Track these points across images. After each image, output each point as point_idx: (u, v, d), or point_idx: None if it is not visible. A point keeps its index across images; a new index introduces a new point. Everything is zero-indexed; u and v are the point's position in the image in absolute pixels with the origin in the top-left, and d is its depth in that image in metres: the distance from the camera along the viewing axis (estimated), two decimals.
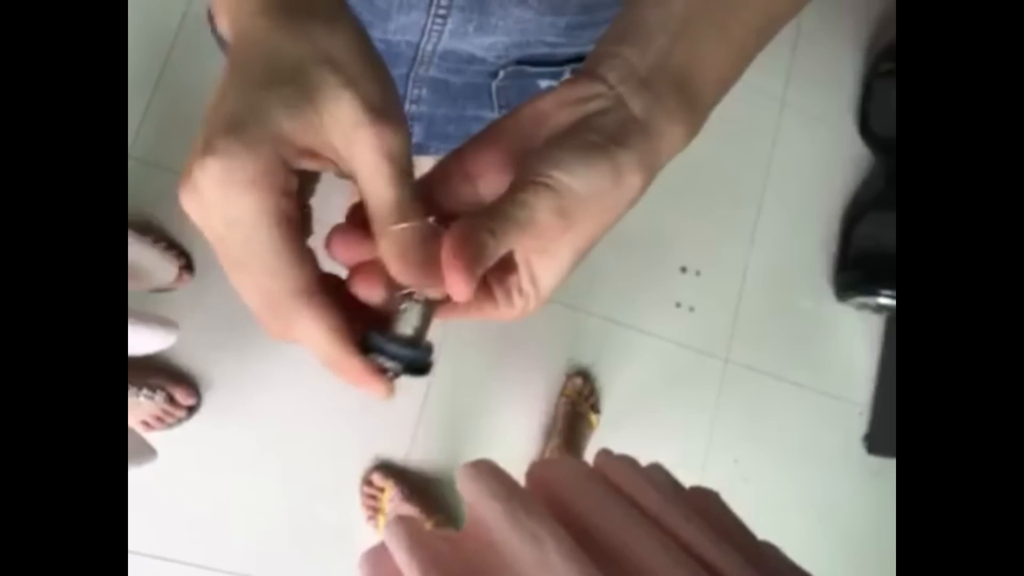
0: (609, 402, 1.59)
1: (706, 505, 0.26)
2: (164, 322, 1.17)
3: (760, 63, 0.37)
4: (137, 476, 0.99)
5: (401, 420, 1.48)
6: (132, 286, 1.29)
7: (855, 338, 1.77)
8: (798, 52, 1.80)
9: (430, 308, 0.31)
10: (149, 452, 1.10)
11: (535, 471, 0.29)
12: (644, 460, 0.33)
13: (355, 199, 0.31)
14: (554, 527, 0.22)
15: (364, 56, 0.29)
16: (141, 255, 1.23)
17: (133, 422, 1.31)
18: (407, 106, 0.65)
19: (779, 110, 1.80)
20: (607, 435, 1.55)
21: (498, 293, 0.34)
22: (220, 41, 0.58)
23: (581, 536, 0.23)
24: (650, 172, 0.32)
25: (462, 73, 0.61)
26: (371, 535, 1.41)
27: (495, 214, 0.29)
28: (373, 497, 1.42)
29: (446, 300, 0.31)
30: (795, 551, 0.30)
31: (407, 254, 0.29)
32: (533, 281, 0.33)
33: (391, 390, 0.32)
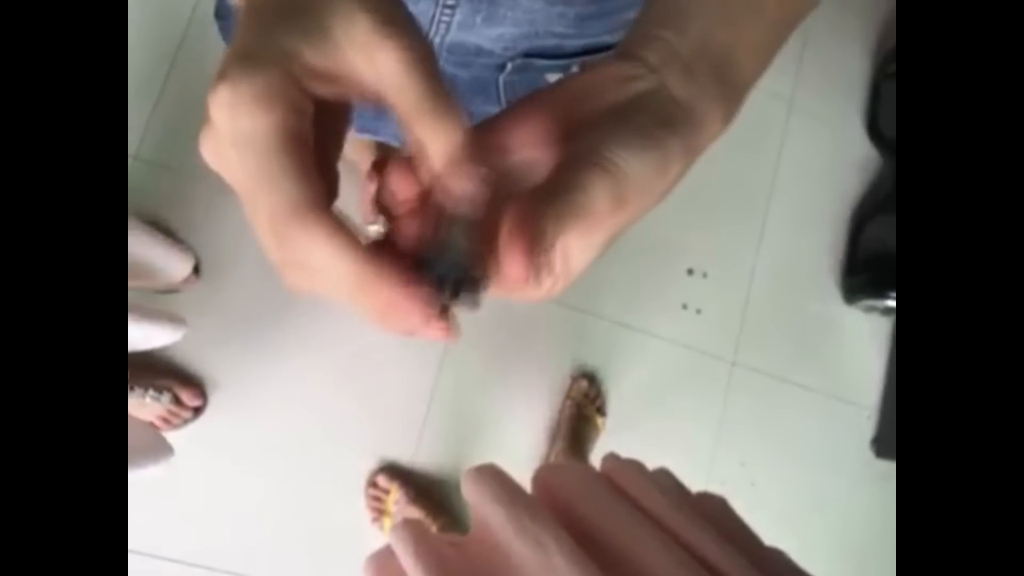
0: (615, 404, 1.58)
1: (712, 510, 0.26)
2: (170, 318, 1.17)
3: None
4: (142, 475, 1.00)
5: (407, 422, 1.48)
6: (139, 284, 1.30)
7: (863, 341, 1.77)
8: (806, 54, 1.80)
9: (473, 230, 0.29)
10: (167, 450, 1.10)
11: (540, 475, 0.29)
12: (650, 463, 0.33)
13: (372, 189, 0.31)
14: (558, 532, 0.22)
15: None
16: (149, 252, 1.23)
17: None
18: None
19: (787, 112, 1.80)
20: (613, 438, 1.55)
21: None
22: (226, 36, 0.58)
23: (585, 540, 0.23)
24: (692, 158, 0.31)
25: (469, 67, 0.61)
26: (376, 537, 1.41)
27: (554, 199, 0.28)
28: (378, 499, 1.42)
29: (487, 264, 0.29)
30: (801, 555, 0.30)
31: (458, 145, 0.28)
32: (564, 260, 0.32)
33: (450, 327, 0.29)
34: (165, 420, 1.33)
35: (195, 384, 1.38)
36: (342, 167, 0.32)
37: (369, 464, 1.46)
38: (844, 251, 1.78)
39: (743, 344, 1.69)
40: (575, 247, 0.31)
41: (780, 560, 0.28)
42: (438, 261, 0.28)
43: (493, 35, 0.57)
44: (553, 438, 1.53)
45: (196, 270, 1.38)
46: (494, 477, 0.25)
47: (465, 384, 1.52)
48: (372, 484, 1.43)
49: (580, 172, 0.29)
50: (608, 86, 0.31)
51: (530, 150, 0.32)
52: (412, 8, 0.54)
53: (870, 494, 1.72)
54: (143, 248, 1.21)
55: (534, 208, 0.28)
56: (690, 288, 1.68)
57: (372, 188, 0.31)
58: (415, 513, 1.38)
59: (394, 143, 0.71)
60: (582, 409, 1.52)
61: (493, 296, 0.32)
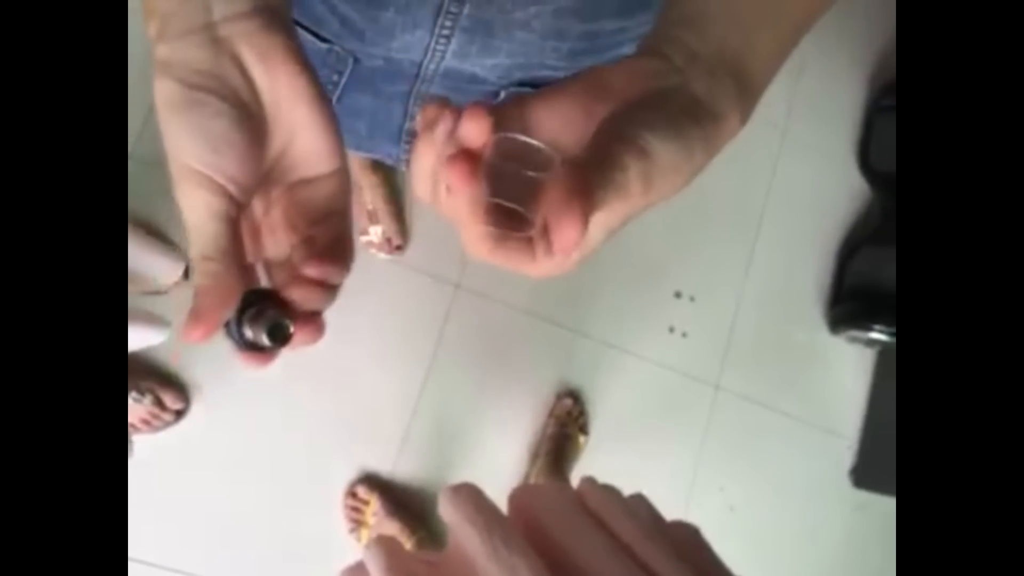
0: (598, 424, 1.58)
1: (685, 539, 0.26)
2: (153, 319, 1.17)
3: None
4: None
5: (389, 434, 1.48)
6: (129, 288, 1.29)
7: (846, 371, 1.78)
8: (801, 81, 1.82)
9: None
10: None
11: (517, 496, 0.29)
12: (631, 483, 0.33)
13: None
14: (532, 559, 0.22)
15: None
16: (140, 259, 1.23)
17: None
18: (407, 123, 0.66)
19: (780, 139, 1.81)
20: (594, 457, 1.55)
21: (540, 246, 0.32)
22: None
23: (557, 567, 0.23)
24: (712, 154, 0.32)
25: (464, 92, 0.62)
26: (353, 547, 1.41)
27: (593, 173, 0.29)
28: (357, 510, 1.41)
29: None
30: None
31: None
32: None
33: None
34: (146, 422, 1.32)
35: (178, 387, 1.37)
36: None
37: (349, 474, 1.45)
38: (831, 281, 1.80)
39: (727, 369, 1.70)
40: (594, 226, 0.31)
41: None
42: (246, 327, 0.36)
43: (488, 64, 0.57)
44: (535, 455, 1.52)
45: (186, 273, 1.38)
46: (470, 498, 0.25)
47: (449, 397, 1.51)
48: (351, 494, 1.42)
49: (618, 151, 0.29)
50: (636, 78, 0.32)
51: (558, 132, 0.32)
52: (408, 36, 0.55)
53: (844, 523, 1.72)
54: (135, 253, 1.20)
55: (589, 176, 0.28)
56: (677, 311, 1.69)
57: (449, 122, 0.32)
58: (393, 526, 1.38)
59: (388, 160, 0.71)
60: (565, 427, 1.52)
61: (499, 269, 0.32)
